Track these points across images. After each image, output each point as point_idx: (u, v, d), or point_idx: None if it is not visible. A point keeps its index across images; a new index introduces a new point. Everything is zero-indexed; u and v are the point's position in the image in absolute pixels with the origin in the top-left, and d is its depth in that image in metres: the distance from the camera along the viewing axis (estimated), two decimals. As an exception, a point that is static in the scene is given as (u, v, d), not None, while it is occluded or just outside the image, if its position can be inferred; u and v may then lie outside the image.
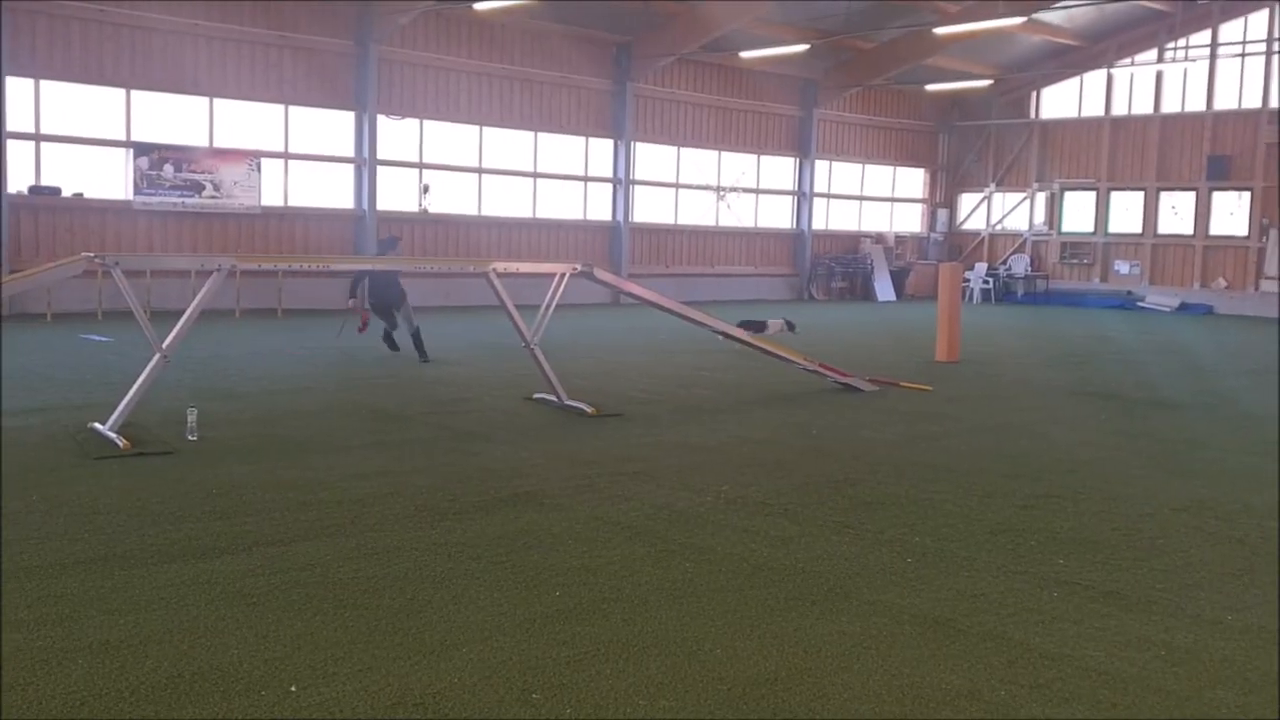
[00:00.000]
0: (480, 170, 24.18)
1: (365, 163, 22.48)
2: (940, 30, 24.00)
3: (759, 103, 28.16)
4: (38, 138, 19.04)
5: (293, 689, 3.57)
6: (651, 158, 26.58)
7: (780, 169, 29.32)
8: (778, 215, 29.50)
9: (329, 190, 22.50)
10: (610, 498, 6.33)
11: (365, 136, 22.42)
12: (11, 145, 18.54)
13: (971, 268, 30.14)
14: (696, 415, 9.58)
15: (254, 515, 5.76)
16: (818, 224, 30.11)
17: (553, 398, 9.74)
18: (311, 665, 3.77)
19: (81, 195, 19.44)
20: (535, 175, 24.86)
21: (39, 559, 4.85)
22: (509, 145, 24.49)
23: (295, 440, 7.97)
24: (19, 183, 18.81)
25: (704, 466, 7.35)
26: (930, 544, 5.49)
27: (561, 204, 25.46)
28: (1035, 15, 24.54)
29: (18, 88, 18.58)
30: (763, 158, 28.73)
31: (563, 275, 9.96)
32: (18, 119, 18.65)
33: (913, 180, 32.77)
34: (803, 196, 29.61)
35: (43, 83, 18.91)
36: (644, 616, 4.34)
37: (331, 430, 8.47)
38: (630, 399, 10.25)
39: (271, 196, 21.59)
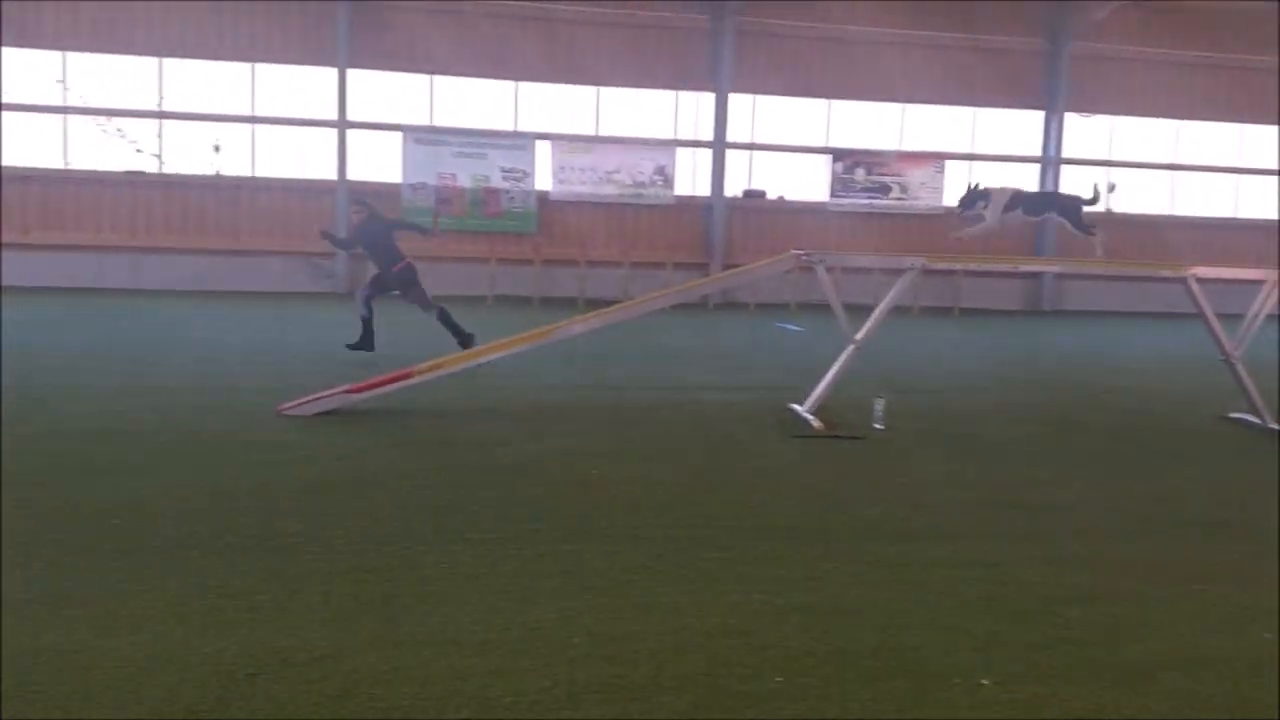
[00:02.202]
0: (1174, 167, 22.29)
1: (1051, 162, 21.87)
2: None
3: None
4: (751, 147, 21.28)
5: (984, 682, 3.63)
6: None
7: None
8: None
9: (1011, 191, 22.31)
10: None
11: (1052, 136, 21.81)
12: (731, 155, 20.98)
13: None
14: None
15: (936, 507, 5.93)
16: None
17: (1255, 419, 8.70)
18: (1001, 665, 3.79)
19: (783, 198, 21.39)
20: (1238, 171, 22.31)
21: (752, 522, 5.46)
22: (1205, 139, 22.27)
23: (973, 438, 8.05)
24: (735, 187, 21.23)
25: None
26: None
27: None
28: None
29: (738, 103, 20.94)
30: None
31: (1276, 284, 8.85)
32: (737, 130, 21.02)
33: None
34: None
35: (758, 97, 21.10)
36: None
37: (1005, 431, 8.42)
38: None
39: (954, 197, 21.93)
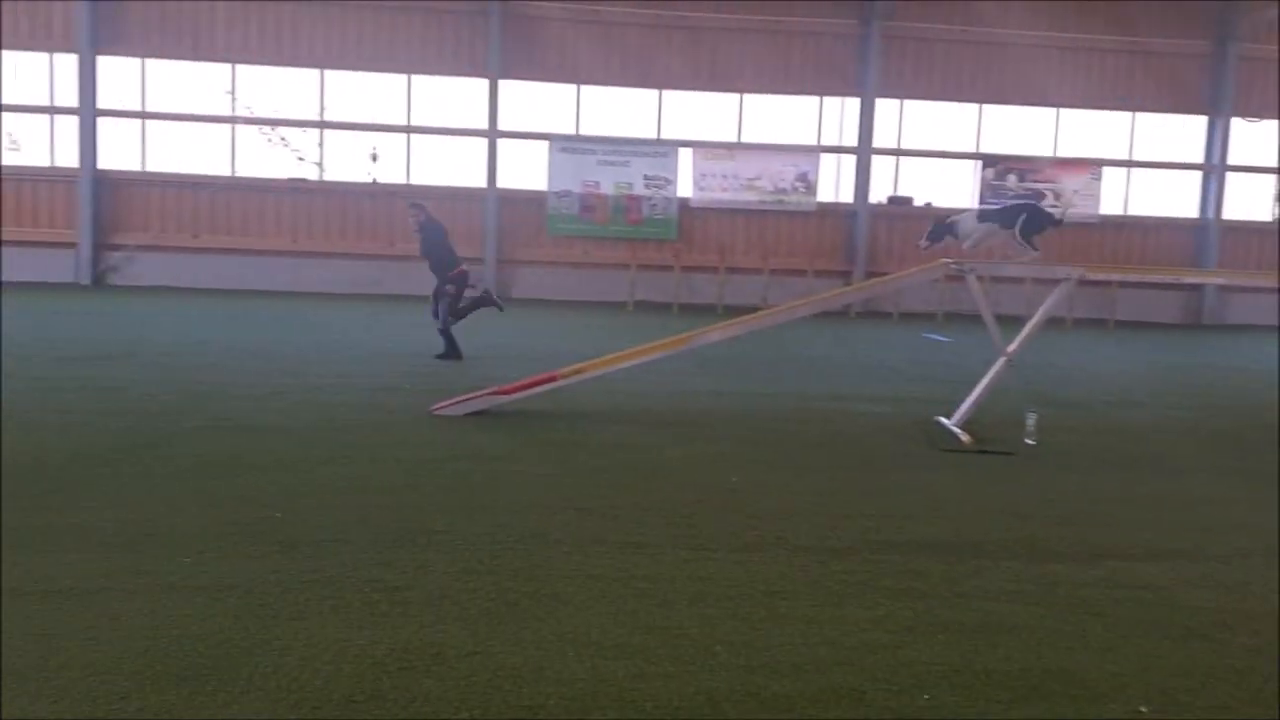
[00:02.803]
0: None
1: (1215, 169, 20.84)
2: None
3: None
4: (898, 153, 20.94)
5: (1143, 709, 3.47)
6: None
7: None
8: None
9: (1170, 199, 21.32)
10: None
11: (1216, 142, 20.79)
12: (876, 160, 20.70)
13: None
14: None
15: (1093, 525, 5.70)
16: None
17: None
18: (1162, 690, 3.62)
19: (930, 205, 20.96)
20: None
21: (897, 536, 5.35)
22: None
23: (1129, 455, 7.72)
24: (880, 193, 20.92)
25: None
26: None
27: None
28: None
29: (885, 108, 20.63)
30: None
31: None
32: (883, 136, 20.72)
33: None
34: None
35: (905, 102, 20.75)
36: None
37: (1163, 449, 8.04)
38: None
39: (1111, 205, 21.10)
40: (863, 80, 20.33)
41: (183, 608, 3.97)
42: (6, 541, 4.66)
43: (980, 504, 6.10)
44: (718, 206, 20.67)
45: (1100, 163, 20.93)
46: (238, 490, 5.69)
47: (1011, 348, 8.24)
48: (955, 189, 21.11)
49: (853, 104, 20.69)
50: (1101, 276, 8.52)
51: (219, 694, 3.30)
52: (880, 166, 20.88)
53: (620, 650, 3.74)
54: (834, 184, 21.24)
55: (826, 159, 20.98)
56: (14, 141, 19.62)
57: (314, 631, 3.80)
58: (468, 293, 11.40)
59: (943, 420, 8.30)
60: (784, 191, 20.71)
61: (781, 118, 20.78)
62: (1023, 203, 9.01)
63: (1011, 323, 8.55)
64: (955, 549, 5.16)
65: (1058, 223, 8.89)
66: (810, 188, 20.70)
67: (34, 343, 11.24)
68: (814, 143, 20.87)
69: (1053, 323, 17.06)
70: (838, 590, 4.46)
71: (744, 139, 20.76)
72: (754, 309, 8.84)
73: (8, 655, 3.52)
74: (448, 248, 11.28)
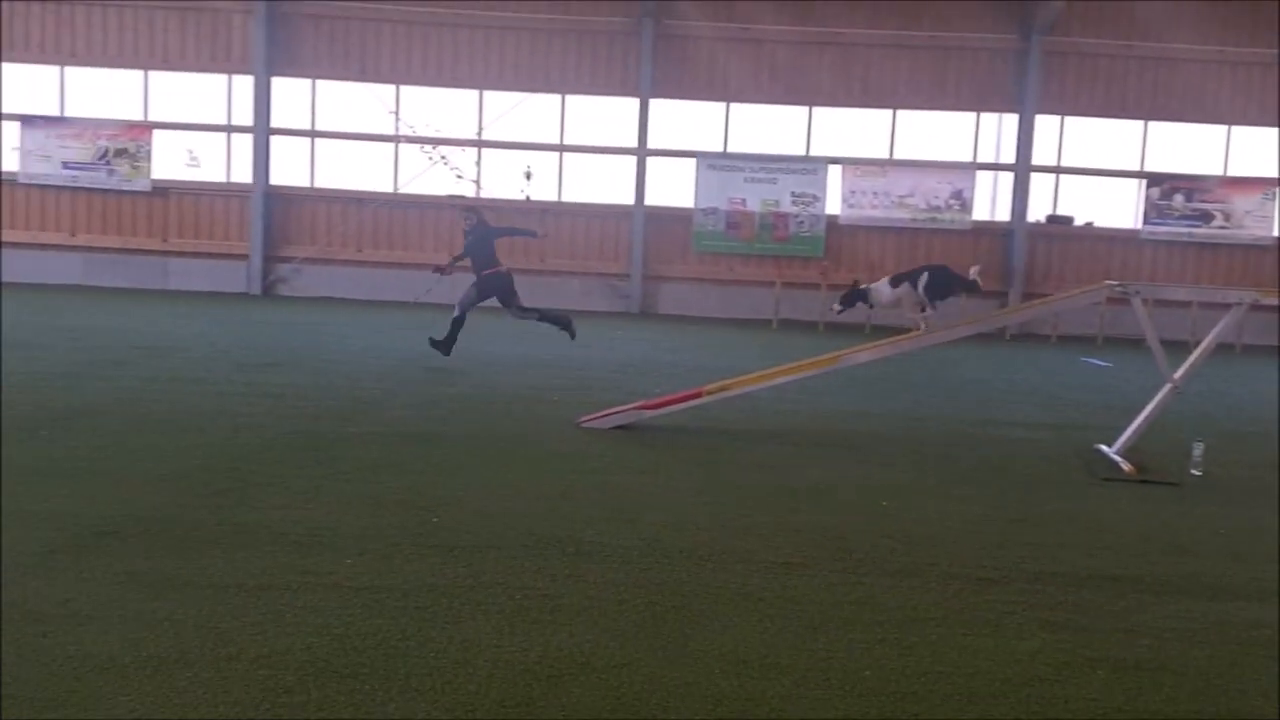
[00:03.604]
0: None
1: None
2: None
3: None
4: (1057, 170, 20.30)
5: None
6: None
7: None
8: None
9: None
10: None
11: None
12: (1034, 178, 20.12)
13: None
14: None
15: (1267, 562, 5.39)
16: None
17: None
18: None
19: (1091, 224, 20.24)
20: None
21: (1055, 567, 5.17)
22: None
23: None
24: (1038, 212, 20.32)
25: None
26: None
27: None
28: None
29: (1044, 124, 20.05)
30: None
31: None
32: (1042, 153, 20.13)
33: None
34: None
35: (1066, 119, 20.12)
36: None
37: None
38: None
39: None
40: (1022, 96, 19.80)
41: (345, 606, 4.13)
42: (180, 536, 4.94)
43: (1143, 536, 5.85)
44: (867, 224, 20.41)
45: (1275, 182, 19.85)
46: (398, 494, 5.90)
47: (1178, 374, 7.88)
48: (1119, 208, 20.32)
49: (1011, 120, 20.17)
50: (1275, 301, 8.05)
51: (378, 692, 3.42)
52: (1039, 184, 20.28)
53: (769, 670, 3.73)
54: (989, 202, 20.72)
55: (982, 176, 20.49)
56: (194, 158, 20.83)
57: (469, 635, 3.90)
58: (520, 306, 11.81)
59: (1103, 448, 7.99)
60: (937, 209, 20.31)
61: (936, 134, 20.41)
62: (929, 265, 8.87)
63: (1176, 348, 8.18)
64: (1117, 582, 4.96)
65: (970, 285, 8.51)
66: (965, 206, 20.24)
67: (210, 348, 11.89)
68: (969, 159, 20.41)
69: (1221, 349, 16.23)
70: (992, 620, 4.35)
71: (896, 155, 20.46)
72: (903, 330, 8.65)
73: (181, 643, 3.73)
74: (486, 251, 11.70)
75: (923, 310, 8.37)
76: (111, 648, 3.65)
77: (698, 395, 8.40)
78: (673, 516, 5.69)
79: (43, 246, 20.39)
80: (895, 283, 8.59)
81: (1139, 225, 20.11)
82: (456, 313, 11.55)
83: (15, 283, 19.41)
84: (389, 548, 4.91)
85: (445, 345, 11.47)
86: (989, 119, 20.45)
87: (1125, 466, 7.46)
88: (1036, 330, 19.24)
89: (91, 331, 12.83)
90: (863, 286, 8.79)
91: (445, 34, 20.35)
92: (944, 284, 8.44)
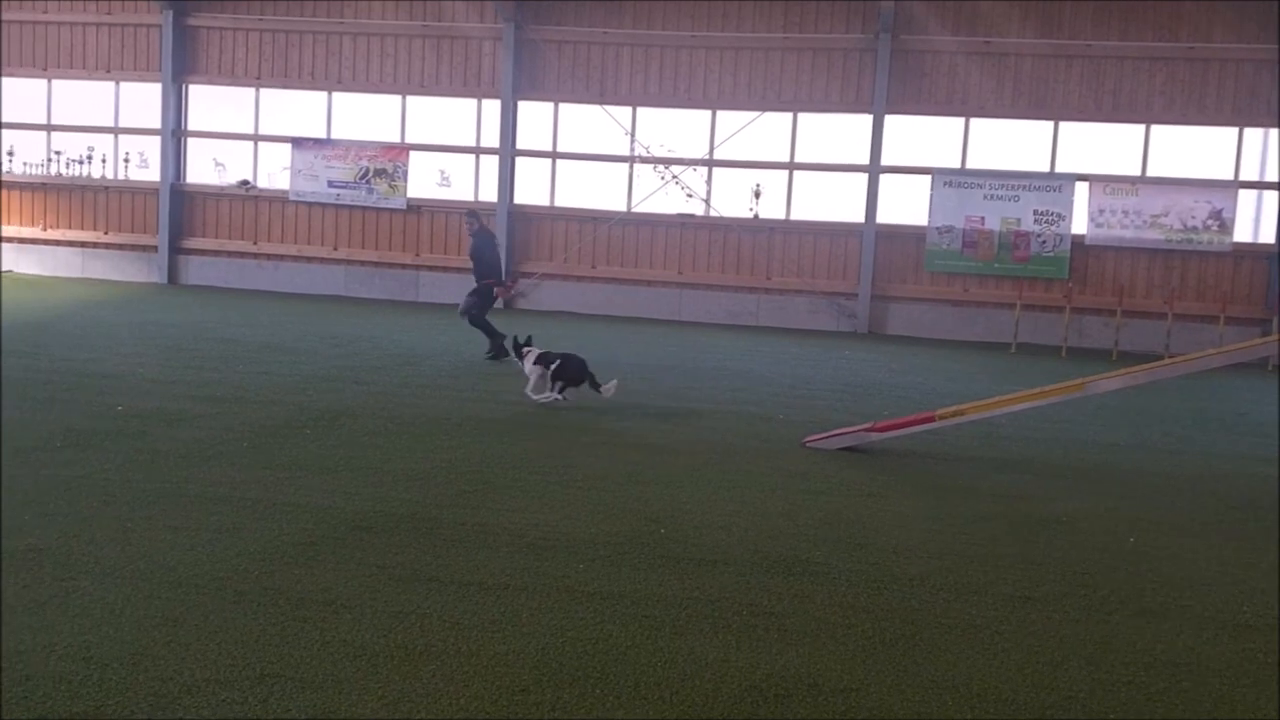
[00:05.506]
0: None
1: None
2: None
3: None
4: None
5: None
6: None
7: None
8: None
9: None
10: None
11: None
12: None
13: None
14: None
15: None
16: None
17: None
18: None
19: (1376, 247, 18.41)
20: None
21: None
22: None
23: None
24: (1311, 234, 18.64)
25: None
26: None
27: None
28: None
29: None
30: None
31: None
32: None
33: None
34: None
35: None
36: None
37: None
38: None
39: None
40: (1294, 108, 18.27)
41: (577, 611, 4.27)
42: (427, 533, 5.23)
43: None
44: (1116, 244, 19.31)
45: None
46: (628, 504, 6.04)
47: None
48: None
49: (1275, 135, 18.63)
50: None
51: (607, 698, 3.52)
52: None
53: (1004, 705, 3.60)
54: (1252, 223, 19.17)
55: (1245, 195, 19.00)
56: (445, 178, 22.03)
57: (695, 648, 3.96)
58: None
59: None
60: (1194, 229, 18.97)
61: (1193, 150, 19.08)
62: (565, 353, 9.65)
63: None
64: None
65: (596, 386, 9.28)
66: (1225, 226, 18.82)
67: (457, 357, 12.53)
68: (1230, 177, 18.97)
69: None
70: (1252, 671, 4.04)
71: (1149, 173, 19.26)
72: (1154, 356, 8.12)
73: (426, 636, 3.95)
74: (493, 258, 12.25)
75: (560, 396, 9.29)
76: (364, 636, 3.92)
77: (929, 419, 8.19)
78: (902, 542, 5.58)
79: (309, 259, 22.05)
80: (539, 360, 9.50)
81: None
82: (473, 322, 12.44)
83: (285, 292, 21.14)
84: (617, 555, 5.04)
85: (497, 347, 12.09)
86: (1253, 134, 18.96)
87: None
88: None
89: (351, 339, 13.76)
90: (524, 350, 9.70)
91: (682, 55, 20.71)
92: (572, 374, 9.36)
